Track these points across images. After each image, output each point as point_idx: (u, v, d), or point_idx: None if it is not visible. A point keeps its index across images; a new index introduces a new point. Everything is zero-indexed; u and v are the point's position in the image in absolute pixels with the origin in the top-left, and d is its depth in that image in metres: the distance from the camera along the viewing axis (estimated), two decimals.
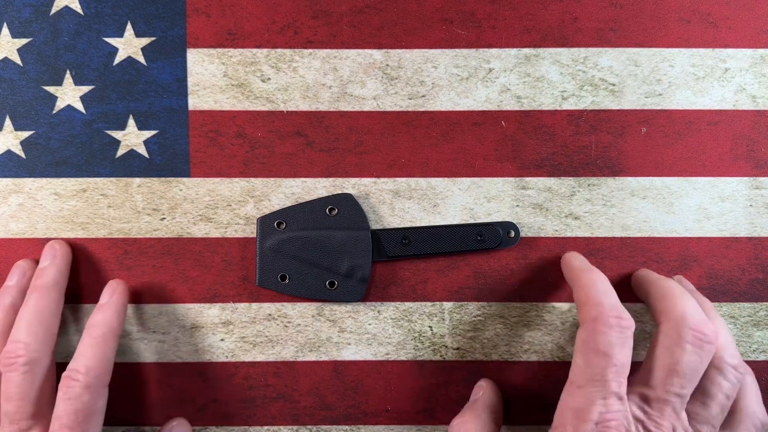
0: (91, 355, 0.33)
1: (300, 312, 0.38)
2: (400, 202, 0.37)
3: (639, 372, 0.32)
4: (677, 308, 0.32)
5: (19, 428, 0.32)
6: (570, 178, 0.37)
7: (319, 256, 0.37)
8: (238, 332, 0.38)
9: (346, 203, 0.37)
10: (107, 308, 0.35)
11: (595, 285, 0.32)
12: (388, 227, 0.37)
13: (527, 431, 0.38)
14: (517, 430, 0.38)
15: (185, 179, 0.37)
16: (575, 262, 0.35)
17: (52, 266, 0.35)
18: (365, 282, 0.37)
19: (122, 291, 0.36)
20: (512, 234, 0.37)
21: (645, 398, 0.31)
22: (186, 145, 0.37)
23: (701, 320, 0.31)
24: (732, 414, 0.32)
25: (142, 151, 0.37)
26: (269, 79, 0.37)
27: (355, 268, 0.37)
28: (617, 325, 0.30)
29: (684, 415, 0.31)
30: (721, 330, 0.33)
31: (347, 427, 0.38)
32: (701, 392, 0.31)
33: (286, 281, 0.37)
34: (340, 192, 0.37)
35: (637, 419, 0.30)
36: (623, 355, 0.30)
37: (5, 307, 0.35)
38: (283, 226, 0.37)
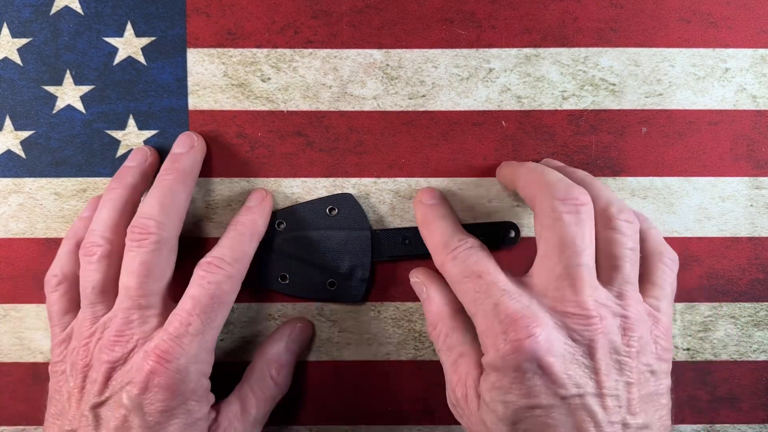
0: (235, 248, 0.33)
1: (300, 312, 0.38)
2: (400, 202, 0.37)
3: (537, 270, 0.30)
4: (543, 184, 0.30)
5: (138, 305, 0.31)
6: None
7: (319, 256, 0.37)
8: (238, 332, 0.38)
9: (347, 203, 0.37)
10: (256, 211, 0.35)
11: (539, 170, 0.32)
12: (388, 227, 0.37)
13: None
14: None
15: None
16: (511, 163, 0.35)
17: (189, 155, 0.35)
18: (365, 282, 0.37)
19: (270, 198, 0.36)
20: (512, 234, 0.37)
21: (552, 285, 0.29)
22: None
23: (566, 187, 0.30)
24: (643, 264, 0.31)
25: None
26: (269, 79, 0.37)
27: (355, 268, 0.37)
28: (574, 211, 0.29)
29: (597, 283, 0.29)
30: (600, 189, 0.31)
31: (347, 427, 0.38)
32: (605, 257, 0.30)
33: (286, 281, 0.37)
34: (340, 192, 0.37)
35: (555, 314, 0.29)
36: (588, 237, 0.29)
37: (127, 185, 0.34)
38: (283, 226, 0.37)
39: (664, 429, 0.29)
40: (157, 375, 0.29)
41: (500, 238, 0.37)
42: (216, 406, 0.33)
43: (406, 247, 0.37)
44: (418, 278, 0.36)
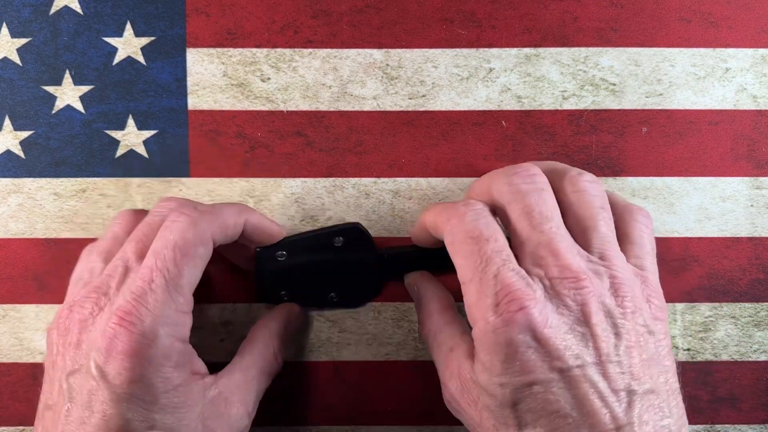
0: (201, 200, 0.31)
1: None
2: (400, 202, 0.37)
3: (516, 243, 0.29)
4: (488, 175, 0.31)
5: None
6: None
7: (322, 279, 0.36)
8: (238, 332, 0.38)
9: (353, 233, 0.36)
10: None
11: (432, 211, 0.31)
12: (392, 242, 0.37)
13: None
14: None
15: (185, 179, 0.37)
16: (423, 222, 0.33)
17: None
18: (369, 299, 0.37)
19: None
20: None
21: (532, 259, 0.28)
22: (186, 145, 0.37)
23: (522, 166, 0.30)
24: (617, 225, 0.30)
25: (142, 151, 0.37)
26: (269, 78, 0.37)
27: (358, 289, 0.37)
28: (471, 212, 0.29)
29: (577, 246, 0.28)
30: (554, 164, 0.32)
31: (347, 427, 0.38)
32: (577, 220, 0.29)
33: (285, 298, 0.36)
34: (345, 223, 0.36)
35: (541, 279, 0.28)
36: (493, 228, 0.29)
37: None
38: (284, 256, 0.35)
39: (671, 393, 0.28)
40: (120, 340, 0.26)
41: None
42: (215, 376, 0.30)
43: (415, 268, 0.37)
44: (410, 279, 0.36)
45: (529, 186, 0.29)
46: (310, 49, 0.37)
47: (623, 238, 0.30)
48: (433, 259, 0.36)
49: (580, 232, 0.29)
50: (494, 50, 0.37)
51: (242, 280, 0.37)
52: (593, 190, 0.30)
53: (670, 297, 0.37)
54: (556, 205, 0.29)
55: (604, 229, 0.29)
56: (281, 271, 0.36)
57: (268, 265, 0.35)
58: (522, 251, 0.29)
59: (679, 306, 0.38)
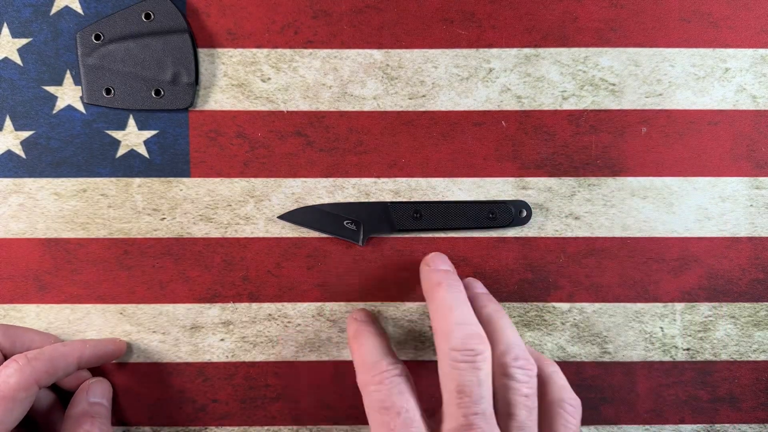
0: (47, 350, 0.33)
1: (300, 312, 0.38)
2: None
3: (443, 416, 0.31)
4: (443, 328, 0.30)
5: None
6: (570, 178, 0.37)
7: (142, 67, 0.35)
8: (238, 332, 0.38)
9: (161, 7, 0.35)
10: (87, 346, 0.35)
11: (446, 305, 0.31)
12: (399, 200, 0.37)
13: None
14: None
15: (185, 179, 0.37)
16: (432, 277, 0.34)
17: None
18: (192, 86, 0.36)
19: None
20: (524, 213, 0.37)
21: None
22: (186, 145, 0.37)
23: (467, 336, 0.30)
24: (544, 409, 0.31)
25: (142, 151, 0.37)
26: (269, 79, 0.37)
27: (179, 74, 0.36)
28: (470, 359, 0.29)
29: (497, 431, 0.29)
30: (502, 331, 0.32)
31: (347, 427, 0.38)
32: (502, 403, 0.30)
33: (111, 95, 0.36)
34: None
35: None
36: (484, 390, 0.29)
37: None
38: (102, 38, 0.35)
39: None
40: None
41: (512, 217, 0.37)
42: None
43: (417, 222, 0.37)
44: (356, 318, 0.35)
45: (468, 366, 0.29)
46: (311, 50, 0.37)
47: (547, 424, 0.31)
48: (440, 209, 0.37)
49: (502, 414, 0.30)
50: (494, 50, 0.37)
51: (242, 281, 0.37)
52: (523, 377, 0.30)
53: (670, 297, 0.38)
54: (490, 386, 0.30)
55: (524, 417, 0.30)
56: (102, 59, 0.35)
57: (89, 52, 0.35)
58: (448, 420, 0.29)
59: (679, 306, 0.38)
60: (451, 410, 0.29)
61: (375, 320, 0.35)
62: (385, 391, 0.30)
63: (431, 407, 0.38)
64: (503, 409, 0.30)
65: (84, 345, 0.35)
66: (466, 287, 0.34)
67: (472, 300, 0.33)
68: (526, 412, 0.30)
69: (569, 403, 0.32)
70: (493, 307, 0.33)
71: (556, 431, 0.31)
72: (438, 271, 0.34)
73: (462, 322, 0.30)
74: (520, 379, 0.30)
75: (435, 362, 0.38)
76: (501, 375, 0.30)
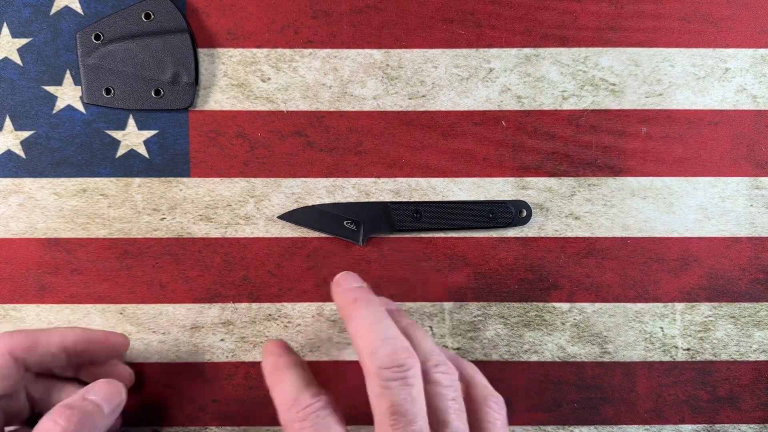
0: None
1: (300, 312, 0.38)
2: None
3: None
4: (367, 346, 0.29)
5: None
6: (570, 178, 0.37)
7: (142, 67, 0.36)
8: (238, 332, 0.38)
9: (161, 7, 0.36)
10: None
11: (367, 321, 0.30)
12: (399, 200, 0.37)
13: (527, 431, 0.38)
14: (517, 430, 0.38)
15: (185, 179, 0.37)
16: (347, 295, 0.32)
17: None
18: (192, 87, 0.36)
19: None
20: (524, 213, 0.37)
21: None
22: (186, 145, 0.37)
23: (393, 352, 0.29)
24: (470, 409, 0.31)
25: (142, 151, 0.37)
26: (269, 79, 0.37)
27: (179, 74, 0.36)
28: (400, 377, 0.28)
29: None
30: (420, 341, 0.31)
31: (347, 427, 0.38)
32: (432, 410, 0.29)
33: (111, 95, 0.36)
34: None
35: None
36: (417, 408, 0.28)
37: None
38: (102, 38, 0.35)
39: None
40: None
41: (512, 217, 0.37)
42: None
43: (417, 221, 0.37)
44: (272, 351, 0.33)
45: (399, 384, 0.29)
46: (311, 49, 0.37)
47: (476, 424, 0.31)
48: (440, 209, 0.37)
49: (434, 422, 0.29)
50: (494, 50, 0.37)
51: (242, 281, 0.37)
52: (447, 381, 0.30)
53: (670, 297, 0.38)
54: (423, 402, 0.29)
55: (455, 421, 0.30)
56: (102, 59, 0.35)
57: (89, 52, 0.35)
58: None
59: (679, 306, 0.38)
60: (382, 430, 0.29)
61: (291, 350, 0.33)
62: (309, 429, 0.29)
63: None
64: (434, 416, 0.29)
65: (73, 328, 0.34)
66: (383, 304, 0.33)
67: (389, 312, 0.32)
68: (456, 416, 0.30)
69: (493, 401, 0.32)
70: (406, 321, 0.33)
71: (485, 428, 0.31)
72: (352, 289, 0.32)
73: (387, 337, 0.29)
74: (445, 383, 0.30)
75: None
76: (425, 383, 0.30)
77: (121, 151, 0.37)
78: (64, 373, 0.34)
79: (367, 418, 0.38)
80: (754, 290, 0.38)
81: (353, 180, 0.37)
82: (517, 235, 0.38)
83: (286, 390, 0.30)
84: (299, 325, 0.38)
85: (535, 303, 0.38)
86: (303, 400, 0.29)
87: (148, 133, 0.37)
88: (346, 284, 0.32)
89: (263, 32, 0.37)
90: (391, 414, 0.28)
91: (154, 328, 0.38)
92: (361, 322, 0.30)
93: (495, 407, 0.31)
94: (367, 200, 0.37)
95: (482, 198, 0.37)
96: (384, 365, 0.28)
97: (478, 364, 0.38)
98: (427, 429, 0.29)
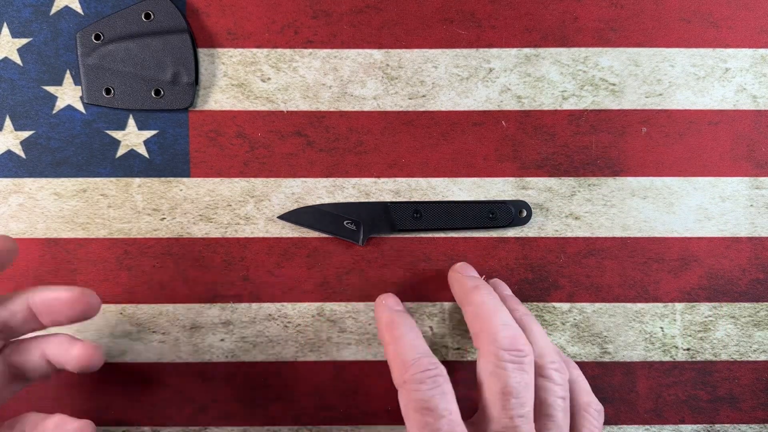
0: None
1: (300, 312, 0.38)
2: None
3: (477, 411, 0.31)
4: (489, 330, 0.31)
5: None
6: (570, 178, 0.37)
7: (142, 67, 0.36)
8: (238, 332, 0.38)
9: (161, 7, 0.36)
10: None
11: (488, 307, 0.32)
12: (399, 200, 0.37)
13: None
14: None
15: (185, 179, 0.37)
16: (467, 281, 0.34)
17: None
18: (192, 87, 0.36)
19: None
20: (524, 213, 0.37)
21: None
22: (186, 145, 0.37)
23: (513, 337, 0.30)
24: (571, 412, 0.32)
25: (142, 151, 0.37)
26: (269, 79, 0.37)
27: (179, 74, 0.36)
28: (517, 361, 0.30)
29: None
30: (537, 336, 0.32)
31: (347, 427, 0.38)
32: (541, 403, 0.31)
33: (111, 95, 0.36)
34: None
35: None
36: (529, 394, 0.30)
37: None
38: (102, 38, 0.35)
39: None
40: None
41: (512, 217, 0.37)
42: None
43: (417, 221, 0.37)
44: (388, 304, 0.34)
45: (516, 368, 0.30)
46: (311, 50, 0.37)
47: (573, 427, 0.32)
48: (440, 209, 0.37)
49: (539, 414, 0.31)
50: (494, 50, 0.37)
51: (242, 281, 0.37)
52: (559, 380, 0.31)
53: (670, 297, 0.38)
54: (533, 390, 0.30)
55: (561, 418, 0.31)
56: (102, 59, 0.35)
57: (89, 52, 0.35)
58: (489, 421, 0.30)
59: (679, 306, 0.38)
60: (493, 412, 0.30)
61: (407, 310, 0.34)
62: (427, 392, 0.29)
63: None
64: (540, 408, 0.31)
65: (38, 289, 0.31)
66: (494, 288, 0.35)
67: (505, 300, 0.34)
68: (563, 414, 0.31)
69: (595, 408, 0.32)
70: (522, 310, 0.34)
71: None
72: (472, 277, 0.34)
73: (507, 323, 0.31)
74: (557, 381, 0.31)
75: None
76: (538, 376, 0.31)
77: (121, 151, 0.37)
78: None
79: (367, 418, 0.38)
80: (754, 290, 0.38)
81: (353, 180, 0.37)
82: (517, 235, 0.38)
83: (406, 350, 0.31)
84: (299, 325, 0.38)
85: (535, 303, 0.38)
86: (423, 363, 0.30)
87: (148, 133, 0.37)
88: (466, 272, 0.35)
89: (263, 32, 0.37)
90: (504, 394, 0.29)
91: (154, 328, 0.38)
92: (482, 306, 0.32)
93: (595, 414, 0.32)
94: (367, 200, 0.37)
95: (482, 198, 0.37)
96: (504, 347, 0.30)
97: None
98: (532, 417, 0.30)
